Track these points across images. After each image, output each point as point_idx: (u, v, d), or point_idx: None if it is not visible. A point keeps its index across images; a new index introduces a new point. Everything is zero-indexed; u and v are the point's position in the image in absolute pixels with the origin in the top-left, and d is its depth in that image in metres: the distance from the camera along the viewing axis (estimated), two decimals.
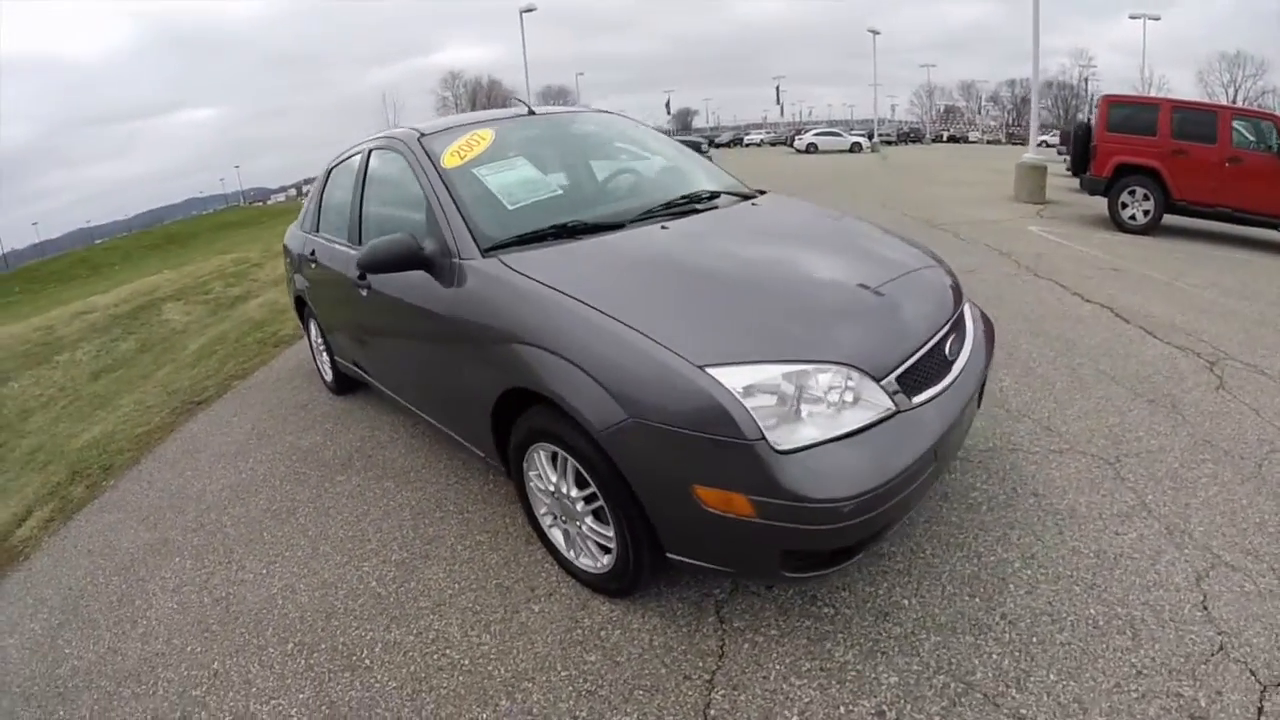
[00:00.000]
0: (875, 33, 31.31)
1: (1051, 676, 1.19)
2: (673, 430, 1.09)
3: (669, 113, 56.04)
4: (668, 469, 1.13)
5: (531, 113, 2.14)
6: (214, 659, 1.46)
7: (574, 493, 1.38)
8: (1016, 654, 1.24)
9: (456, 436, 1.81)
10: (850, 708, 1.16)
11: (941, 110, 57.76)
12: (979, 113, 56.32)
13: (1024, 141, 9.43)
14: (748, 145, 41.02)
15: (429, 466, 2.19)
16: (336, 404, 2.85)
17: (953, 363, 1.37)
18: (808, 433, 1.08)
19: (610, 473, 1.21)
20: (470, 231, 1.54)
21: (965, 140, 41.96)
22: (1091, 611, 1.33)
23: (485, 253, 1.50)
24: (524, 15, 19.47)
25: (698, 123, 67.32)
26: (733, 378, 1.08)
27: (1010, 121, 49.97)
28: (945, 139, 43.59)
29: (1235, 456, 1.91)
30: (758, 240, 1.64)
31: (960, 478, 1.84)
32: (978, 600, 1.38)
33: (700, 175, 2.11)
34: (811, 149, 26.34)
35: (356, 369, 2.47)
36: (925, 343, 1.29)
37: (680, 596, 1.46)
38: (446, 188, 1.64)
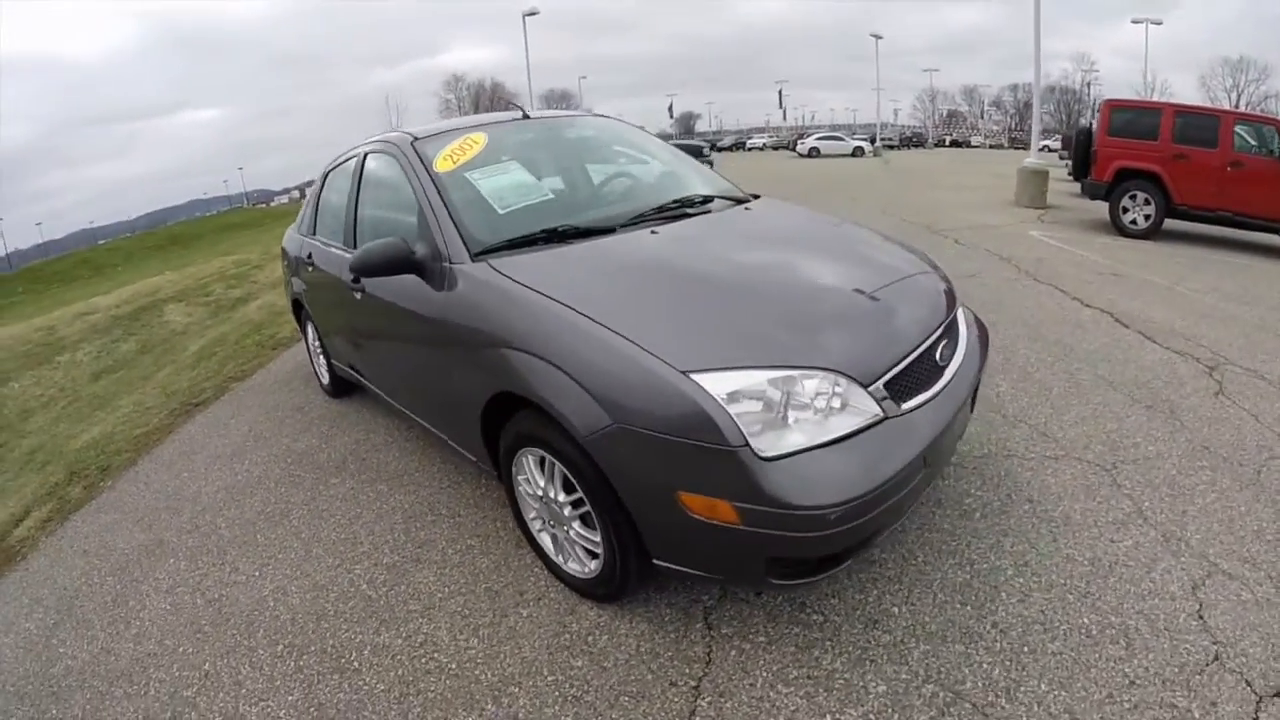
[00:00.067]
0: (878, 37, 31.40)
1: (1042, 686, 1.17)
2: (657, 436, 1.09)
3: (672, 116, 56.22)
4: (652, 475, 1.13)
5: (526, 116, 2.14)
6: (205, 660, 1.46)
7: (561, 497, 1.38)
8: (1007, 663, 1.23)
9: (448, 440, 1.81)
10: (837, 716, 1.15)
11: (944, 115, 57.78)
12: (981, 117, 56.34)
13: (1027, 146, 9.41)
14: (750, 149, 41.09)
15: (422, 470, 2.19)
16: (333, 407, 2.85)
17: (944, 368, 1.36)
18: (794, 439, 1.07)
19: (596, 478, 1.21)
20: (461, 235, 1.54)
21: (968, 145, 41.94)
22: (1085, 620, 1.32)
23: (475, 257, 1.50)
24: (527, 19, 19.56)
25: (700, 126, 67.53)
26: (717, 383, 1.08)
27: (1013, 126, 49.98)
28: (948, 143, 43.58)
29: (1234, 463, 1.90)
30: (748, 245, 1.64)
31: (954, 484, 1.83)
32: (969, 608, 1.37)
33: (694, 179, 2.11)
34: (814, 153, 26.35)
35: (352, 372, 2.48)
36: (915, 348, 1.28)
37: (669, 602, 1.45)
38: (438, 191, 1.64)
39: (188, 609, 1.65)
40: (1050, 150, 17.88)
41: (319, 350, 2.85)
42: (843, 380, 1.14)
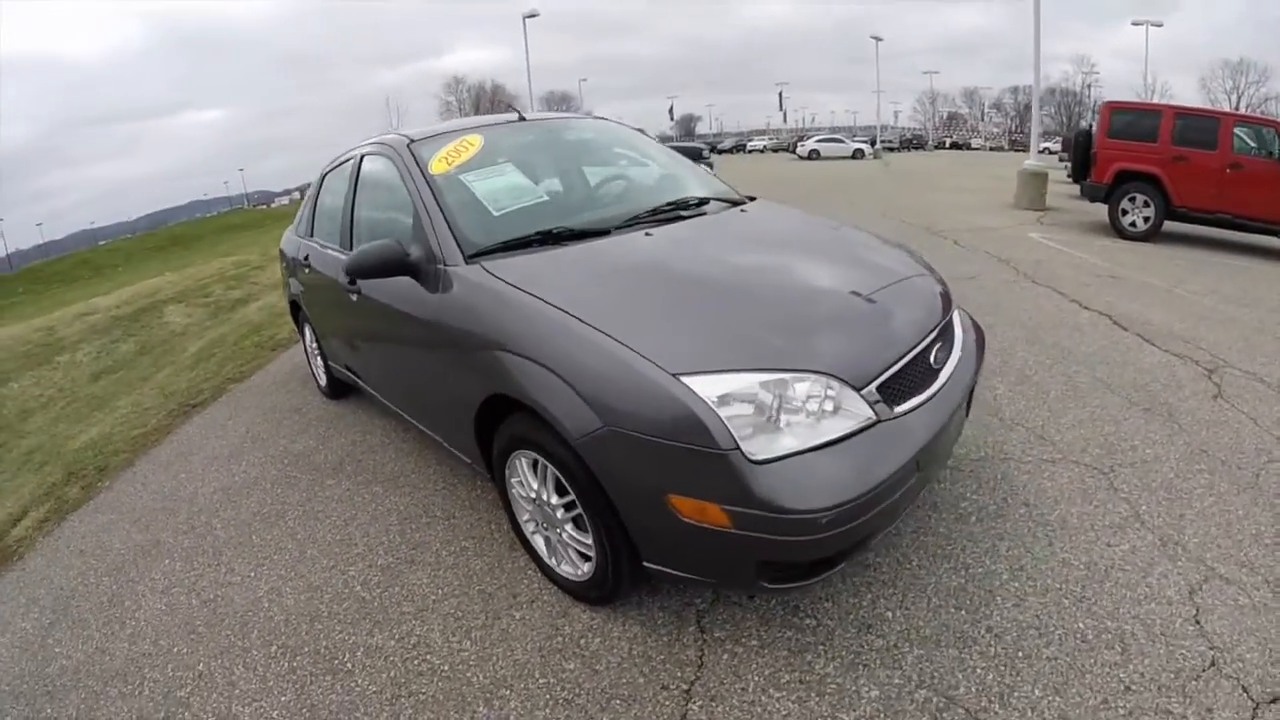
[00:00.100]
0: (878, 39, 31.44)
1: (1036, 692, 1.17)
2: (647, 439, 1.08)
3: (672, 119, 56.24)
4: (643, 478, 1.12)
5: (522, 119, 2.15)
6: (199, 660, 1.46)
7: (554, 500, 1.38)
8: (1001, 668, 1.22)
9: (443, 442, 1.81)
10: None
11: (944, 117, 57.80)
12: (982, 119, 56.35)
13: (1027, 148, 9.41)
14: (750, 151, 41.16)
15: (418, 472, 2.19)
16: (330, 408, 2.85)
17: (939, 371, 1.36)
18: (785, 443, 1.07)
19: (588, 481, 1.21)
20: (454, 237, 1.54)
21: (968, 147, 41.95)
22: (1080, 625, 1.31)
23: (469, 259, 1.50)
24: (527, 21, 19.60)
25: (701, 129, 67.53)
26: (708, 386, 1.08)
27: (1013, 128, 49.99)
28: (948, 146, 43.60)
29: (1232, 466, 1.89)
30: (742, 247, 1.64)
31: (950, 487, 1.82)
32: (963, 613, 1.36)
33: (690, 182, 2.11)
34: (814, 155, 26.40)
35: (349, 373, 2.48)
36: (908, 351, 1.28)
37: (661, 605, 1.45)
38: (432, 193, 1.65)
39: (183, 609, 1.65)
40: (1050, 152, 17.89)
41: (316, 352, 2.86)
42: (835, 383, 1.13)
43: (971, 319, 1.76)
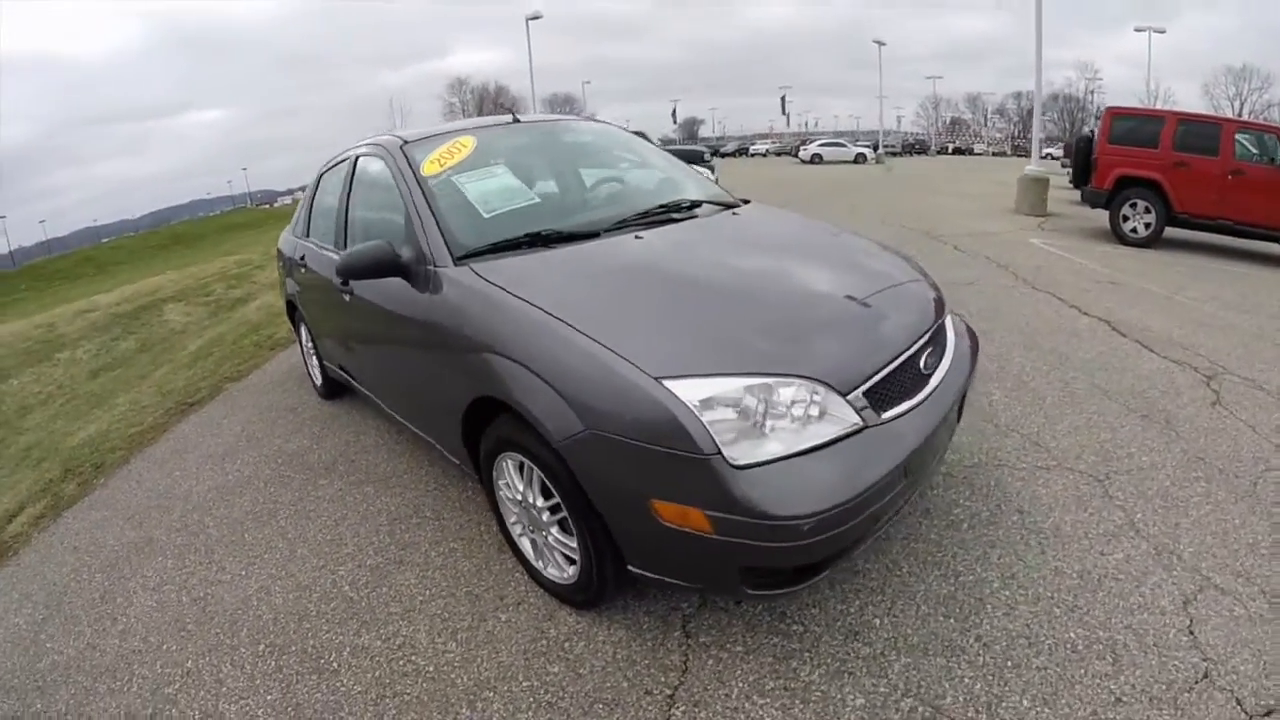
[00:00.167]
0: (881, 44, 31.49)
1: (1025, 702, 1.15)
2: (629, 442, 1.08)
3: (675, 121, 56.26)
4: (625, 481, 1.12)
5: (516, 120, 2.15)
6: (188, 657, 1.47)
7: (540, 502, 1.37)
8: (989, 678, 1.21)
9: (434, 443, 1.81)
10: None
11: (947, 122, 57.81)
12: (985, 125, 56.34)
13: (1029, 154, 9.40)
14: (753, 155, 41.20)
15: (410, 472, 2.19)
16: (324, 408, 2.86)
17: (929, 376, 1.35)
18: (769, 448, 1.06)
19: (572, 484, 1.20)
20: (444, 238, 1.54)
21: (970, 152, 41.95)
22: (1071, 635, 1.30)
23: (458, 261, 1.50)
24: (530, 23, 19.69)
25: (704, 132, 67.62)
26: (690, 390, 1.07)
27: (1016, 134, 49.95)
28: (951, 151, 43.61)
29: (1229, 474, 1.87)
30: (732, 250, 1.63)
31: (942, 494, 1.81)
32: (952, 621, 1.35)
33: (684, 184, 2.10)
34: (816, 159, 26.42)
35: (343, 373, 2.49)
36: (896, 357, 1.27)
37: (647, 610, 1.44)
38: (424, 195, 1.65)
39: (173, 607, 1.65)
40: (1053, 158, 17.87)
41: (312, 352, 2.86)
42: (820, 388, 1.13)
43: (966, 324, 1.75)
